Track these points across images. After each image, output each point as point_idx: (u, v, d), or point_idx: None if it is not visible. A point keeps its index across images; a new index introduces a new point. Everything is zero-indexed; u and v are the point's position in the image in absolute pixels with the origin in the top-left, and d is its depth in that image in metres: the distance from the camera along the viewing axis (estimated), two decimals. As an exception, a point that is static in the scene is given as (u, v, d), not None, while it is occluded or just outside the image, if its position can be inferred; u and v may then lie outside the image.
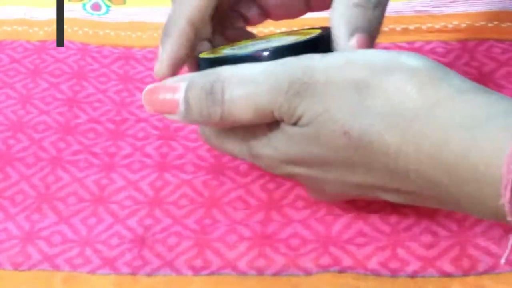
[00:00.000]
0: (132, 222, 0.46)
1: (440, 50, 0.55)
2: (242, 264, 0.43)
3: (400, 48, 0.55)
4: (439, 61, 0.36)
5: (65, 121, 0.53)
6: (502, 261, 0.34)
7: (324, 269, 0.42)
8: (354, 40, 0.38)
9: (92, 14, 0.63)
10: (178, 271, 0.43)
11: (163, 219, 0.46)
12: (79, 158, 0.50)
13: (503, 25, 0.56)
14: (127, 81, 0.56)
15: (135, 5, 0.63)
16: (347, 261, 0.42)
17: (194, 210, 0.46)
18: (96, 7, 0.63)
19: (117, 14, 0.63)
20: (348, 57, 0.37)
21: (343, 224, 0.44)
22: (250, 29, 0.47)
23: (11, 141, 0.52)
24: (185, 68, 0.43)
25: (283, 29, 0.56)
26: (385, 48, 0.55)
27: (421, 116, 0.34)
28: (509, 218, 0.32)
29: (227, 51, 0.42)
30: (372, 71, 0.35)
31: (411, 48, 0.55)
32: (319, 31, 0.41)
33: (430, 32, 0.57)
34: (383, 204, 0.44)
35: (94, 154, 0.50)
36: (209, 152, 0.50)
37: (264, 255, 0.43)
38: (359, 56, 0.36)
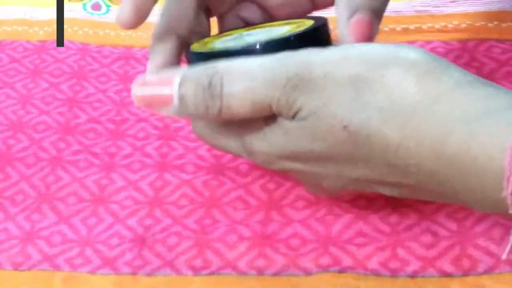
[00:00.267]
0: (132, 222, 0.46)
1: (440, 50, 0.55)
2: (242, 264, 0.43)
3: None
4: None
5: (65, 121, 0.53)
6: (504, 256, 0.34)
7: (324, 269, 0.42)
8: (354, 19, 0.38)
9: (92, 14, 0.63)
10: (178, 271, 0.43)
11: (163, 219, 0.46)
12: (79, 158, 0.50)
13: (503, 25, 0.56)
14: (127, 81, 0.56)
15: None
16: (347, 261, 0.42)
17: (194, 210, 0.46)
18: (96, 7, 0.63)
19: (117, 14, 0.63)
20: (346, 51, 0.36)
21: (343, 224, 0.44)
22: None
23: (11, 141, 0.52)
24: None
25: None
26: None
27: (421, 110, 0.34)
28: (510, 211, 0.32)
29: (218, 44, 0.41)
30: (370, 65, 0.35)
31: (411, 48, 0.55)
32: (310, 21, 0.40)
33: (430, 32, 0.57)
34: (383, 204, 0.44)
35: (94, 154, 0.50)
36: (209, 152, 0.50)
37: (264, 255, 0.43)
38: (357, 50, 0.36)
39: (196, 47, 0.42)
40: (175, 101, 0.38)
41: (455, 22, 0.57)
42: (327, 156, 0.37)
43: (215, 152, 0.49)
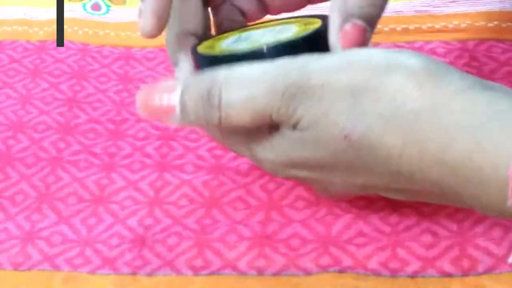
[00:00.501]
0: (132, 222, 0.46)
1: (440, 50, 0.55)
2: (242, 264, 0.43)
3: (400, 48, 0.55)
4: (439, 61, 0.36)
5: (65, 121, 0.53)
6: (510, 260, 0.34)
7: (324, 269, 0.42)
8: (345, 28, 0.37)
9: (92, 14, 0.63)
10: (178, 271, 0.43)
11: (163, 219, 0.46)
12: (79, 158, 0.50)
13: (503, 25, 0.56)
14: (127, 81, 0.56)
15: (135, 5, 0.63)
16: (347, 261, 0.42)
17: (194, 210, 0.46)
18: (96, 7, 0.63)
19: (117, 14, 0.63)
20: (344, 58, 0.36)
21: (343, 224, 0.44)
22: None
23: (11, 141, 0.52)
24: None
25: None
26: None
27: (423, 118, 0.34)
28: None
29: (225, 45, 0.41)
30: (370, 72, 0.35)
31: (411, 48, 0.55)
32: (318, 21, 0.40)
33: (430, 32, 0.57)
34: (383, 204, 0.44)
35: (94, 154, 0.50)
36: (209, 152, 0.50)
37: (264, 255, 0.43)
38: (356, 57, 0.36)
39: (202, 48, 0.41)
40: (177, 110, 0.38)
41: (455, 22, 0.57)
42: (331, 165, 0.37)
43: (215, 152, 0.49)
